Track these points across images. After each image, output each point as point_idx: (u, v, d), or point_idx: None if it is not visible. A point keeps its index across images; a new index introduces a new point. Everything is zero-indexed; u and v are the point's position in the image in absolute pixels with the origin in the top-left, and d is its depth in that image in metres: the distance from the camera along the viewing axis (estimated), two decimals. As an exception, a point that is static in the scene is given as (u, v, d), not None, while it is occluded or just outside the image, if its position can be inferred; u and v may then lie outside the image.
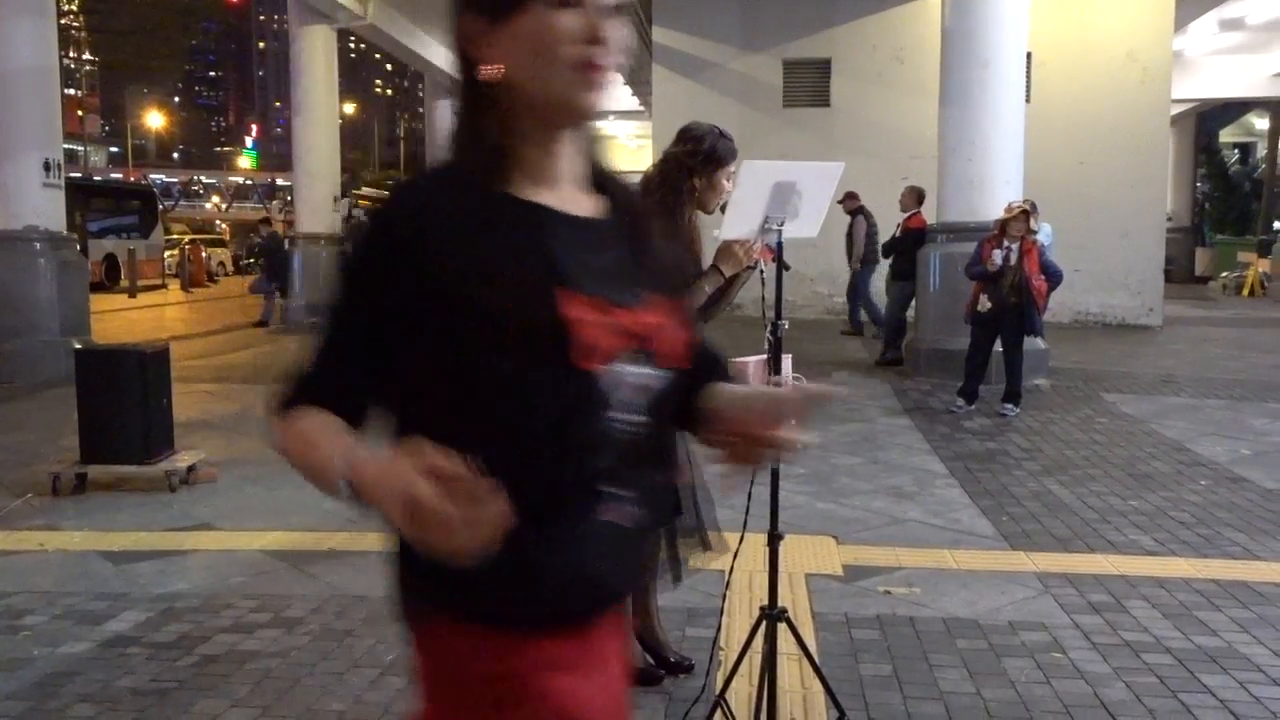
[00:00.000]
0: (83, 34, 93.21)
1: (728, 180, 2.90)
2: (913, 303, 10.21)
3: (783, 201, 2.71)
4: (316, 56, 16.12)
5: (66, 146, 10.51)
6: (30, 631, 3.56)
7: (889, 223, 10.75)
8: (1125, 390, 8.87)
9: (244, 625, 3.60)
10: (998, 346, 7.75)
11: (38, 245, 9.81)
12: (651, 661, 3.21)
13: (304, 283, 15.66)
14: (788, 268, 3.03)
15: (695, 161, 2.87)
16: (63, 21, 17.65)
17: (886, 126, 15.27)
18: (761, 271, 2.83)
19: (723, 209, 2.86)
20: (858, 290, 12.17)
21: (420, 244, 1.05)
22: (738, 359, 2.90)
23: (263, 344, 12.98)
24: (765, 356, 2.87)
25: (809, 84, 15.89)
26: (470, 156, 1.11)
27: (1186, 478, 5.81)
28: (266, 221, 17.92)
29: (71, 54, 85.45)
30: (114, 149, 75.95)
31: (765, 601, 2.83)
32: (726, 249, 2.79)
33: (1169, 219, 18.87)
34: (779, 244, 2.78)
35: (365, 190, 43.54)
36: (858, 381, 9.33)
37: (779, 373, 2.91)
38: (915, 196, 10.35)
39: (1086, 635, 3.54)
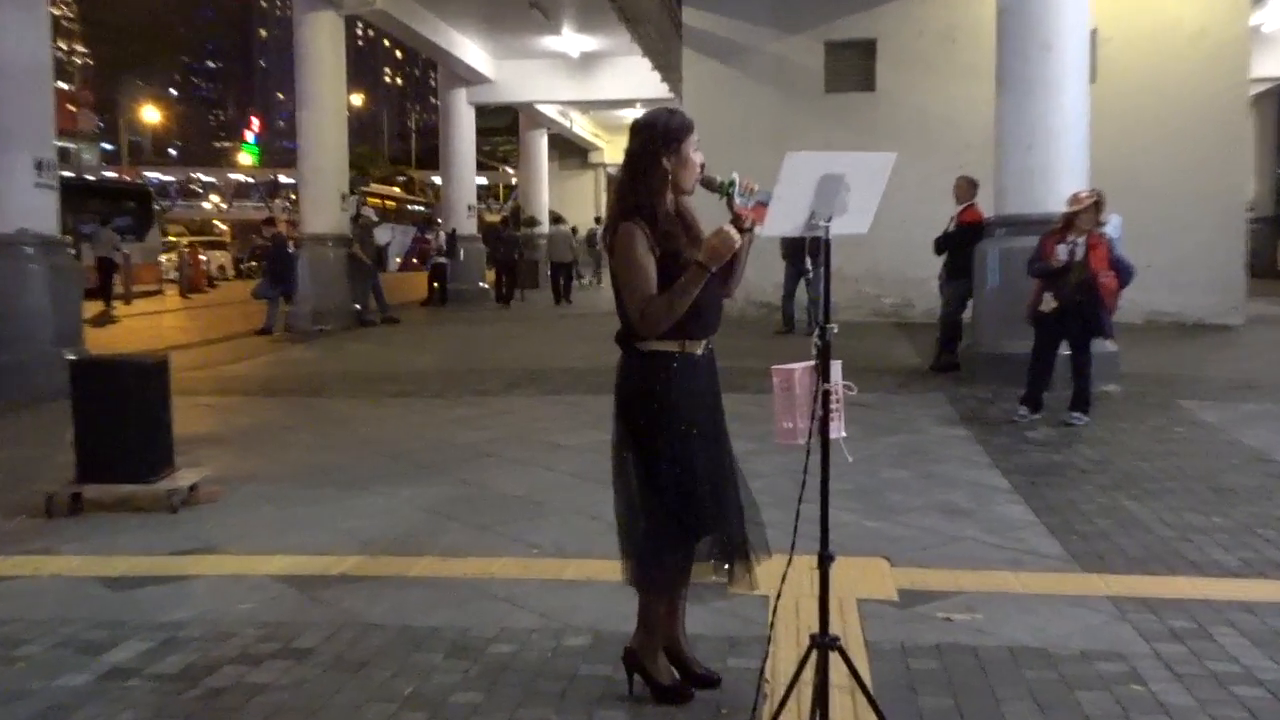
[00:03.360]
0: (75, 25, 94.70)
1: (695, 151, 3.02)
2: (969, 303, 10.17)
3: (830, 196, 2.71)
4: (322, 44, 16.29)
5: (58, 144, 10.62)
6: (26, 663, 3.61)
7: (940, 216, 10.70)
8: (1204, 396, 8.76)
9: (252, 655, 3.63)
10: (1063, 350, 7.69)
11: (29, 250, 9.87)
12: (678, 676, 3.24)
13: (310, 288, 15.82)
14: (808, 273, 3.05)
15: (657, 145, 2.97)
16: (54, 12, 17.90)
17: (937, 113, 15.21)
18: (807, 274, 2.84)
19: (724, 194, 2.89)
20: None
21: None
22: (783, 366, 2.90)
23: (266, 353, 13.13)
24: (813, 363, 2.87)
25: (852, 68, 15.87)
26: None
27: (1273, 491, 5.73)
28: (270, 222, 18.14)
29: (63, 46, 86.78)
30: (107, 145, 77.11)
31: (814, 629, 2.82)
32: (705, 241, 2.85)
33: (1250, 208, 18.60)
34: (825, 243, 2.78)
35: (374, 187, 44.02)
36: (909, 389, 9.29)
37: (828, 379, 2.91)
38: (970, 188, 10.30)
39: (1168, 665, 3.49)
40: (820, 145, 14.52)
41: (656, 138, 2.97)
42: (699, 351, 3.05)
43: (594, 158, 37.41)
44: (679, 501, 3.01)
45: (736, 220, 2.92)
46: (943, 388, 9.31)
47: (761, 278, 14.42)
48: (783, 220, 2.74)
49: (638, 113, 3.17)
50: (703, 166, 3.02)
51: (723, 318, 3.11)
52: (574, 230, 24.68)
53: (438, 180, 36.81)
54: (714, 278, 2.98)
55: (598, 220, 27.55)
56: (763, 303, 15.70)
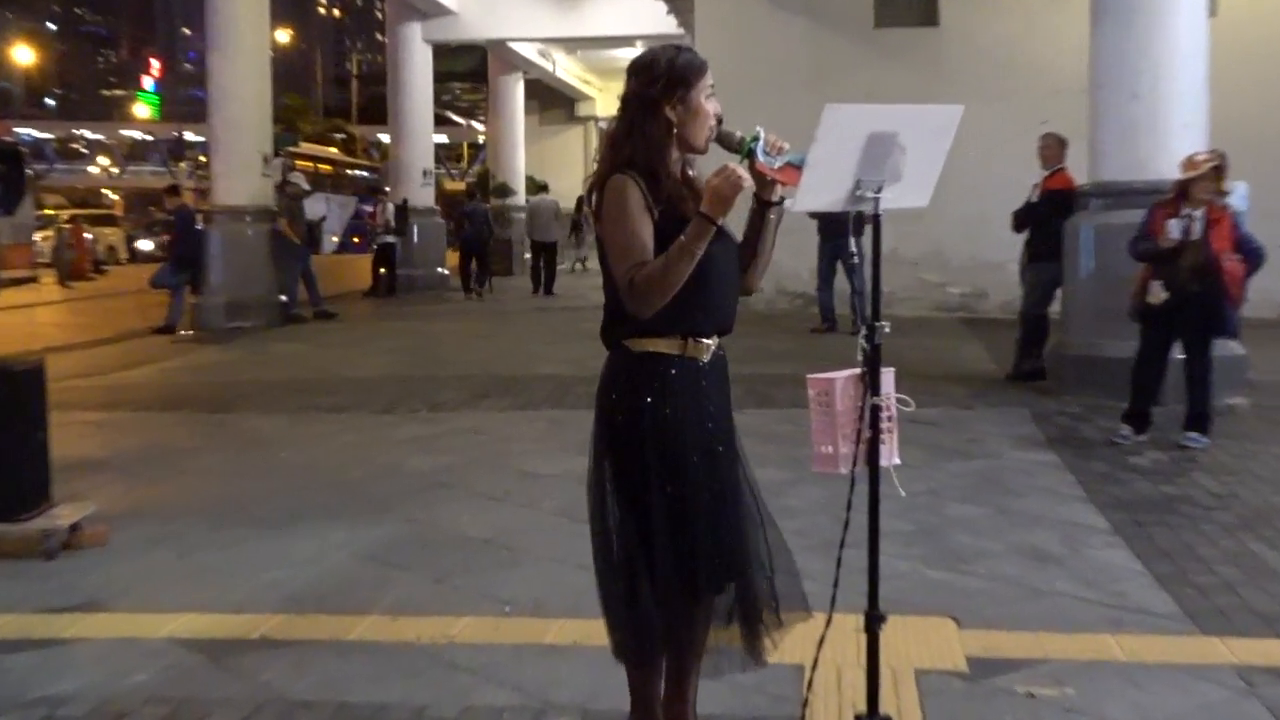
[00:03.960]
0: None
1: (706, 98, 3.03)
2: (1057, 294, 10.17)
3: (880, 159, 2.71)
4: (239, -34, 16.34)
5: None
6: None
7: (1020, 184, 10.71)
8: (1355, 412, 8.77)
9: (148, 740, 3.62)
10: (1177, 353, 7.68)
11: None
12: None
13: (224, 274, 15.85)
14: (851, 257, 3.07)
15: (658, 89, 2.99)
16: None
17: (1015, 54, 15.24)
18: (850, 258, 2.85)
19: (745, 152, 2.90)
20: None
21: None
22: (821, 375, 2.90)
23: (168, 357, 13.15)
24: (859, 371, 2.88)
25: (909, -3, 15.92)
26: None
27: None
28: (173, 191, 18.14)
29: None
30: (-32, 95, 77.03)
31: (861, 708, 2.81)
32: (705, 183, 2.88)
33: None
34: (875, 217, 2.78)
35: (305, 148, 44.04)
36: (982, 402, 9.30)
37: (877, 391, 2.91)
38: (1059, 147, 10.30)
39: (1309, 754, 3.48)
40: (867, 94, 14.56)
41: (659, 80, 2.99)
42: (705, 356, 3.04)
43: (583, 110, 37.47)
44: (675, 549, 2.99)
45: (759, 183, 2.92)
46: (1024, 401, 9.31)
47: (795, 260, 14.45)
48: (820, 190, 2.74)
49: (637, 53, 3.16)
50: (719, 120, 3.03)
51: (748, 310, 3.11)
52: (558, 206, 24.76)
53: (385, 138, 36.87)
54: (728, 262, 2.97)
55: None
56: (796, 293, 15.72)
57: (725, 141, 2.98)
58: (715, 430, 3.07)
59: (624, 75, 3.08)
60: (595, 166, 3.08)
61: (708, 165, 3.11)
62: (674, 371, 3.00)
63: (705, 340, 3.03)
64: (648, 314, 2.91)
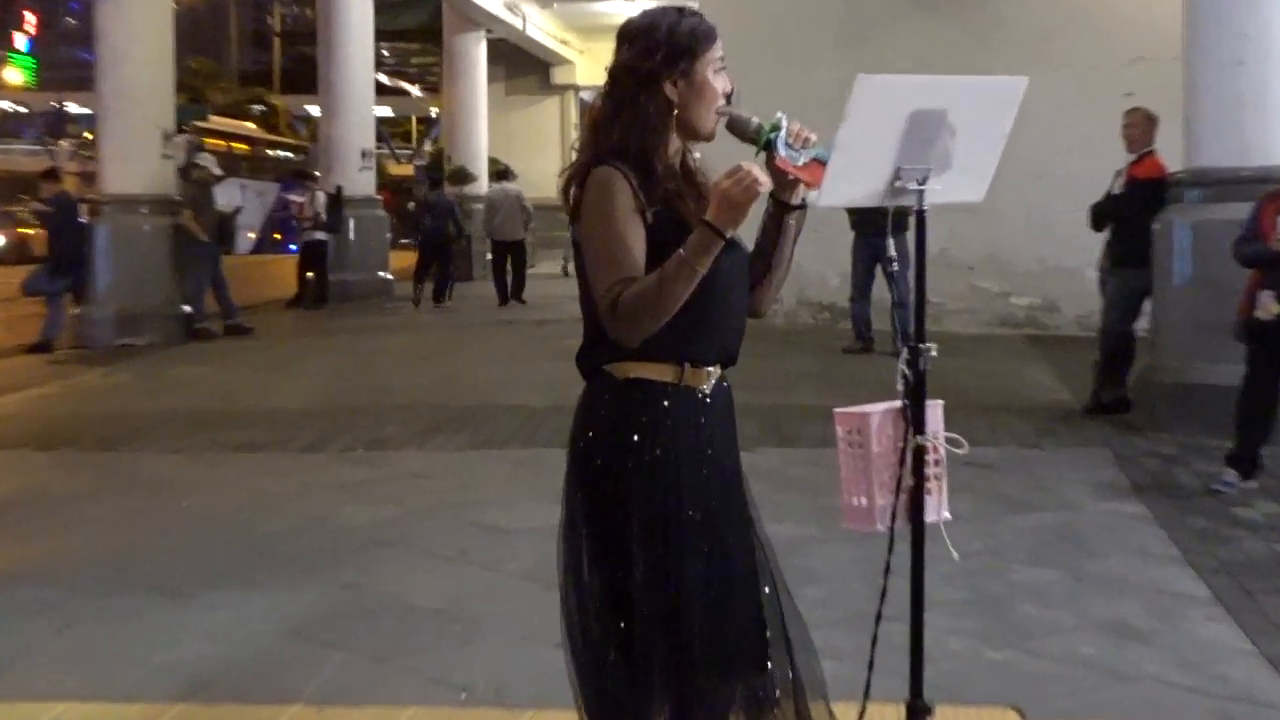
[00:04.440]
0: None
1: (715, 72, 3.03)
2: (1145, 306, 10.18)
3: (925, 142, 2.73)
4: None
5: None
6: None
7: (1099, 171, 10.73)
8: None
9: None
10: (1291, 380, 7.70)
11: None
12: None
13: (114, 278, 15.81)
14: (891, 261, 3.05)
15: (655, 62, 3.00)
16: None
17: (1091, 10, 15.30)
18: (890, 262, 2.86)
19: (763, 143, 2.91)
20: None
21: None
22: (853, 409, 2.92)
23: (44, 382, 13.12)
24: (899, 403, 2.89)
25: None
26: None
27: None
28: (51, 175, 18.12)
29: None
30: None
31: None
32: (714, 187, 2.84)
33: None
34: (920, 214, 2.80)
35: (216, 122, 44.00)
36: (1053, 440, 9.32)
37: (921, 429, 2.92)
38: (1147, 126, 10.33)
39: None
40: (910, 61, 14.58)
41: (657, 50, 2.99)
42: (706, 386, 3.05)
43: (560, 76, 37.46)
44: (666, 631, 2.97)
45: (778, 181, 2.93)
46: (1105, 438, 9.32)
47: (821, 263, 14.47)
48: (851, 180, 2.76)
49: (631, 9, 3.16)
50: (728, 98, 3.04)
51: (763, 325, 3.12)
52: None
53: (315, 111, 36.79)
54: (736, 275, 2.98)
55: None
56: (822, 303, 15.74)
57: (737, 128, 2.98)
58: (717, 477, 3.07)
59: (611, 37, 3.09)
60: (574, 152, 3.08)
61: (714, 156, 3.13)
62: (667, 404, 2.99)
63: (706, 368, 3.04)
64: (632, 342, 2.90)
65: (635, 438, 2.98)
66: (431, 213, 21.73)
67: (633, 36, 3.04)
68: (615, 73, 3.05)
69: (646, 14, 3.07)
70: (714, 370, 3.06)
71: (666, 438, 2.99)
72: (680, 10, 3.07)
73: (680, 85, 3.00)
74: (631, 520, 2.97)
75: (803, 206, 2.99)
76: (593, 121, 3.08)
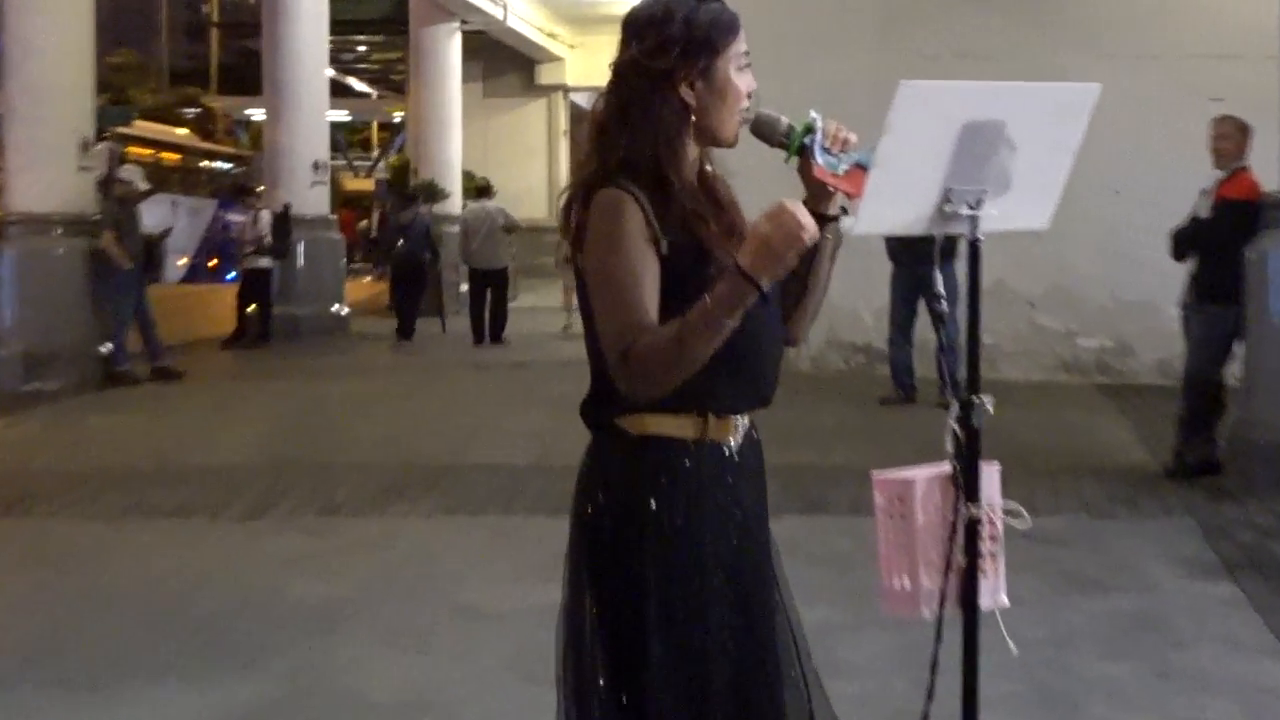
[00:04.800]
0: None
1: (739, 69, 3.03)
2: (1236, 350, 10.16)
3: (980, 160, 2.74)
4: None
5: None
6: None
7: (1183, 190, 10.74)
8: None
9: None
10: None
11: None
12: None
13: (20, 312, 15.78)
14: (939, 299, 3.04)
15: (669, 59, 2.98)
16: None
17: (1166, 3, 15.34)
18: (938, 300, 2.85)
19: (795, 149, 2.91)
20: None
21: None
22: (893, 473, 2.91)
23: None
24: (947, 466, 2.88)
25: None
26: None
27: None
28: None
29: None
30: None
31: None
32: (752, 231, 2.80)
33: None
34: (973, 244, 2.80)
35: (142, 128, 44.04)
36: (1130, 508, 9.30)
37: (974, 497, 2.92)
38: (1240, 137, 10.33)
39: None
40: (960, 56, 14.64)
41: (671, 46, 2.98)
42: (734, 440, 3.06)
43: (547, 75, 37.62)
44: None
45: (815, 192, 2.93)
46: (1191, 506, 9.30)
47: (854, 296, 14.45)
48: (892, 204, 2.77)
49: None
50: (749, 98, 3.05)
51: (788, 368, 3.12)
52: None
53: (258, 115, 36.89)
54: (765, 302, 2.99)
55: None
56: (856, 344, 15.71)
57: (764, 131, 2.98)
58: (747, 548, 3.08)
59: (608, 29, 3.10)
60: (574, 167, 3.09)
61: (734, 157, 3.13)
62: (689, 463, 3.00)
63: (734, 417, 3.05)
64: (647, 398, 2.91)
65: (652, 504, 2.98)
66: (406, 235, 21.75)
67: (642, 29, 3.02)
68: (622, 72, 3.04)
69: (658, 1, 3.05)
70: (742, 420, 3.07)
71: (689, 503, 2.99)
72: None
73: (699, 86, 3.00)
74: (648, 602, 2.97)
75: (840, 216, 2.99)
76: (597, 131, 3.07)
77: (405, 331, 21.47)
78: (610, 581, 3.01)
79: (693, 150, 3.05)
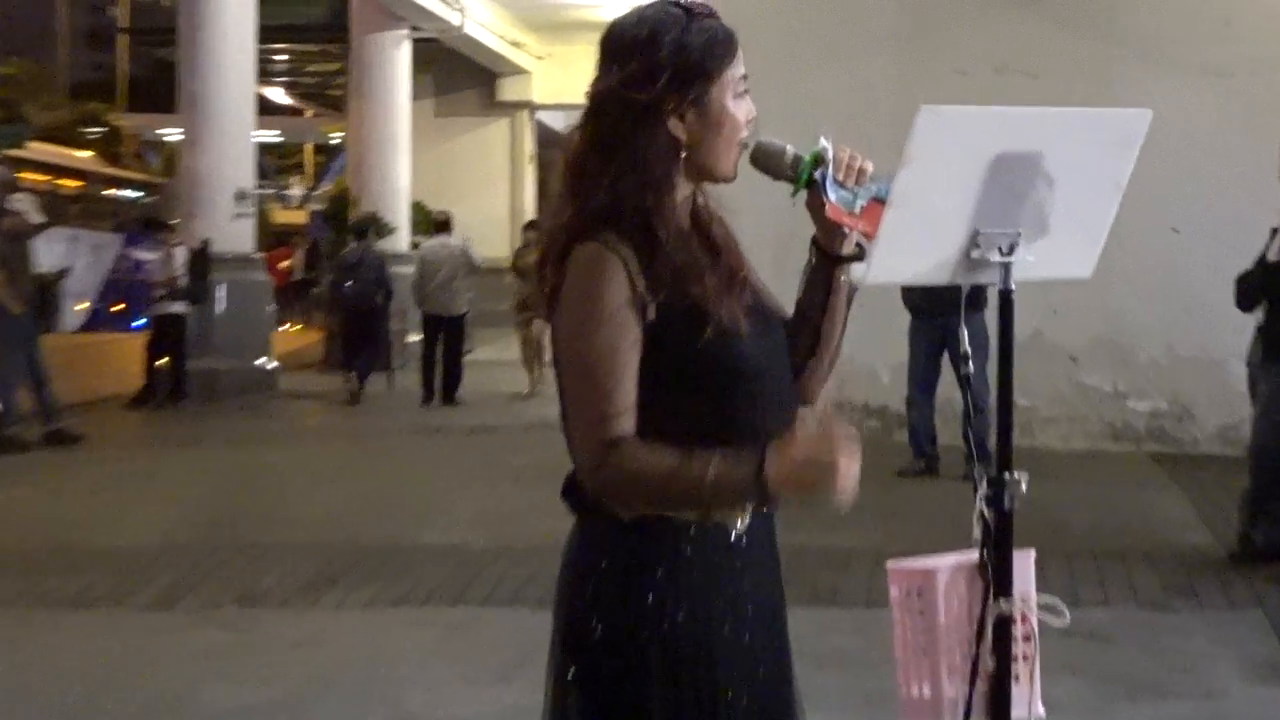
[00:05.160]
0: None
1: (736, 97, 3.04)
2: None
3: (1013, 197, 2.76)
4: None
5: None
6: None
7: (1252, 227, 10.78)
8: None
9: None
10: None
11: None
12: None
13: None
14: (965, 357, 3.06)
15: (656, 89, 2.98)
16: None
17: (1235, 5, 15.41)
18: (964, 359, 2.86)
19: (804, 182, 2.94)
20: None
21: None
22: (911, 562, 2.92)
23: None
24: (974, 554, 2.89)
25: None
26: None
27: None
28: None
29: None
30: None
31: None
32: (784, 457, 2.81)
33: None
34: (1005, 294, 2.82)
35: (36, 150, 44.00)
36: (1188, 599, 9.31)
37: (1006, 591, 2.93)
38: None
39: None
40: (993, 69, 14.69)
41: (658, 73, 2.98)
42: (741, 520, 3.05)
43: (511, 90, 37.72)
44: None
45: (827, 230, 2.95)
46: (1260, 596, 9.30)
47: (867, 351, 14.42)
48: (911, 248, 2.78)
49: (613, 1, 3.16)
50: (749, 127, 3.05)
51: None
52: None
53: (171, 135, 36.88)
54: (775, 358, 3.02)
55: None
56: (869, 407, 15.69)
57: (767, 162, 3.00)
58: (762, 642, 3.09)
59: (581, 37, 3.14)
60: (545, 211, 3.10)
61: (735, 195, 3.14)
62: (690, 550, 3.00)
63: None
64: (621, 506, 2.95)
65: (649, 599, 2.98)
66: (355, 273, 21.70)
67: (624, 52, 3.02)
68: (600, 102, 3.04)
69: (641, 17, 3.05)
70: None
71: (692, 597, 2.99)
72: (688, 9, 3.04)
73: (690, 117, 3.00)
74: (649, 713, 2.97)
75: (858, 256, 3.00)
76: (572, 173, 3.07)
77: (363, 379, 21.41)
78: (603, 688, 3.01)
79: (684, 188, 3.06)
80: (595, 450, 2.88)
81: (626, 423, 2.89)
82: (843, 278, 3.08)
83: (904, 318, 13.58)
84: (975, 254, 2.77)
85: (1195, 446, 15.20)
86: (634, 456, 2.85)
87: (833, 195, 2.89)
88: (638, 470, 2.85)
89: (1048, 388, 14.98)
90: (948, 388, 13.69)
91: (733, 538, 3.04)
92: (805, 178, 2.92)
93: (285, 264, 37.20)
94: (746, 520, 3.04)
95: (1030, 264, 2.80)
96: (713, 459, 2.82)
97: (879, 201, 2.84)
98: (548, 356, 21.56)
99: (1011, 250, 2.76)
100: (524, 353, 21.91)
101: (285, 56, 43.33)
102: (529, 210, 35.14)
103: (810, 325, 3.13)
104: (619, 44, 3.04)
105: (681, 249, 3.00)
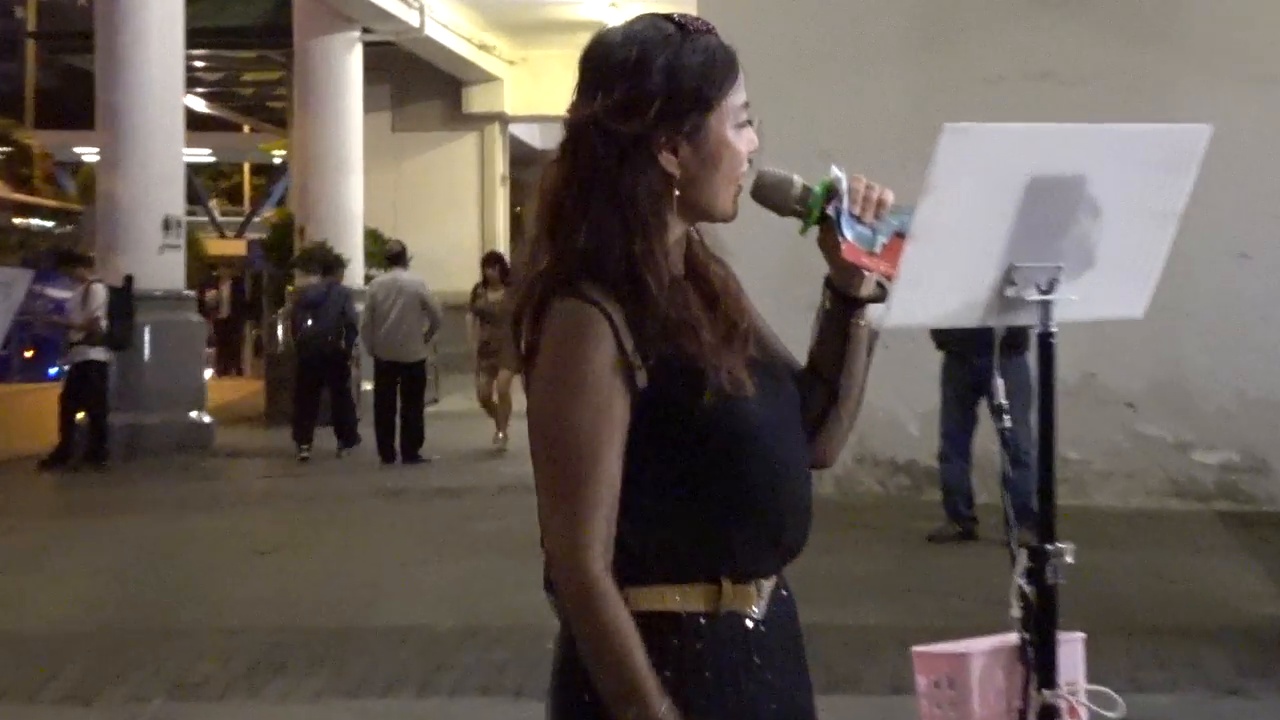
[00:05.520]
0: None
1: (737, 127, 3.02)
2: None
3: (1052, 227, 2.77)
4: None
5: None
6: None
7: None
8: None
9: None
10: None
11: None
12: None
13: None
14: (1002, 409, 3.06)
15: (645, 120, 2.96)
16: None
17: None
18: (1002, 415, 2.87)
19: (815, 218, 2.96)
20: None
21: None
22: (942, 647, 2.93)
23: None
24: (1013, 637, 2.90)
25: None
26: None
27: None
28: None
29: None
30: None
31: None
32: None
33: None
34: (1045, 338, 2.83)
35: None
36: (1267, 681, 9.26)
37: (1050, 680, 2.94)
38: None
39: None
40: (1039, 91, 14.71)
41: (648, 103, 2.96)
42: (758, 607, 3.07)
43: (480, 101, 37.67)
44: None
45: (843, 270, 2.96)
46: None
47: (891, 397, 14.45)
48: (935, 286, 2.79)
49: (595, 8, 3.13)
50: (750, 162, 3.04)
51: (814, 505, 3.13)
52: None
53: (88, 155, 36.90)
54: (784, 405, 3.04)
55: (492, 264, 25.86)
56: (895, 462, 15.70)
57: (771, 196, 3.00)
58: None
59: (560, 40, 3.14)
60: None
61: (731, 226, 3.14)
62: (700, 646, 2.99)
63: (758, 579, 3.06)
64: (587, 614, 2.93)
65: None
66: (315, 313, 21.64)
67: (608, 76, 3.00)
68: (580, 133, 3.02)
69: (629, 34, 3.03)
70: (767, 583, 3.08)
71: (704, 698, 2.98)
72: (681, 25, 3.03)
73: (684, 151, 2.99)
74: None
75: (881, 298, 2.99)
76: (547, 212, 3.05)
77: (303, 436, 21.41)
78: None
79: (677, 229, 3.05)
80: (569, 572, 2.89)
81: (606, 549, 2.88)
82: (861, 325, 3.07)
83: (933, 357, 13.57)
84: (1010, 292, 2.78)
85: (1271, 504, 15.21)
86: (607, 611, 2.86)
87: (849, 233, 2.88)
88: (602, 627, 2.85)
89: (1101, 439, 14.99)
90: (986, 438, 13.66)
91: (749, 626, 3.03)
92: (816, 213, 2.93)
93: (211, 293, 37.27)
94: (764, 605, 3.05)
95: (1073, 303, 2.80)
96: (650, 680, 2.84)
97: (903, 237, 2.83)
98: (515, 408, 21.62)
99: (1051, 287, 2.77)
100: (486, 406, 22.03)
101: (218, 64, 43.43)
102: (501, 239, 35.13)
103: (825, 378, 3.13)
104: (603, 66, 3.01)
105: (675, 304, 2.98)
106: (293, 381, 22.38)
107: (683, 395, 2.91)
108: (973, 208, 2.76)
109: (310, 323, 21.62)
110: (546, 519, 2.94)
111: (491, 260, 22.91)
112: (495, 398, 21.50)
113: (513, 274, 3.03)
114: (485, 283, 22.10)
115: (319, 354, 21.87)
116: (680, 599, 2.98)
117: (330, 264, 23.66)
